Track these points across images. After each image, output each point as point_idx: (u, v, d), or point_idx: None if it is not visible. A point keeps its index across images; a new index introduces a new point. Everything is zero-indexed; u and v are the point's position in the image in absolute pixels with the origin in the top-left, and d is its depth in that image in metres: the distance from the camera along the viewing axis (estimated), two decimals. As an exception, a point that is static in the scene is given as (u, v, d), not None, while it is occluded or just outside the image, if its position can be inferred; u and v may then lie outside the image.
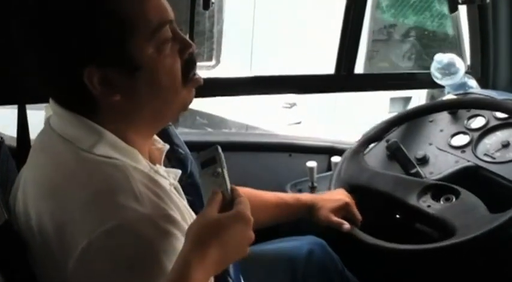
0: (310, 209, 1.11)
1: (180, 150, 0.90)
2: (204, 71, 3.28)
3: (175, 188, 0.78)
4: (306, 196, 1.15)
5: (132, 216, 0.65)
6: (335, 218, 1.08)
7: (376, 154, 1.35)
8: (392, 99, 3.21)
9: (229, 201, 0.67)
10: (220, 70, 3.25)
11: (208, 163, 0.69)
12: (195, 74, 0.76)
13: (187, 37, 0.75)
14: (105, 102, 0.71)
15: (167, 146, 0.83)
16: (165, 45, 0.71)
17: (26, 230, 0.71)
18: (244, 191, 1.07)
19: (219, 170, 0.68)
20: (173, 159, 0.87)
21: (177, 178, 0.79)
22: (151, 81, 0.71)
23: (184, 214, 0.73)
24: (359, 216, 1.11)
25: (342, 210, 1.10)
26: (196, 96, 0.78)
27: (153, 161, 0.78)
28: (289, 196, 1.16)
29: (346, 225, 1.07)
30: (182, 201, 0.77)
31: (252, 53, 3.42)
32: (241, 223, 0.65)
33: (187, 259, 0.61)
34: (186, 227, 0.69)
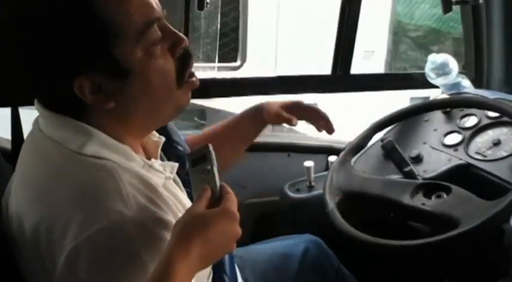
0: (262, 109, 1.04)
1: (179, 147, 0.91)
2: (229, 71, 3.42)
3: (174, 181, 0.78)
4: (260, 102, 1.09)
5: (117, 219, 0.64)
6: (285, 114, 1.03)
7: (372, 154, 1.38)
8: (413, 99, 3.25)
9: (218, 198, 0.67)
10: (246, 70, 3.32)
11: (198, 161, 0.70)
12: (191, 76, 0.74)
13: (178, 31, 0.71)
14: (98, 109, 0.70)
15: (163, 139, 0.82)
16: (154, 47, 0.68)
17: (17, 232, 0.71)
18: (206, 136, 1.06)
19: (209, 167, 0.68)
20: (172, 156, 0.87)
21: (174, 171, 0.78)
22: (143, 85, 0.69)
23: (177, 212, 0.72)
24: (317, 108, 1.06)
25: (295, 107, 1.04)
26: (193, 97, 0.77)
27: (148, 155, 0.78)
28: (245, 109, 1.09)
29: (295, 121, 1.03)
30: (180, 196, 0.77)
31: (277, 53, 3.42)
32: (226, 219, 0.64)
33: (171, 254, 0.60)
34: None
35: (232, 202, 0.66)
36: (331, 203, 1.15)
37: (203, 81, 0.78)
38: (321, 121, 1.06)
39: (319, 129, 1.07)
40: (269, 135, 1.69)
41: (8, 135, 1.17)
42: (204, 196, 0.66)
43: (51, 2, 0.65)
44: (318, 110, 1.06)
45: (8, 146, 1.11)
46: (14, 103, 1.03)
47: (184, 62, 0.73)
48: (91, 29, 0.65)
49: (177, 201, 0.75)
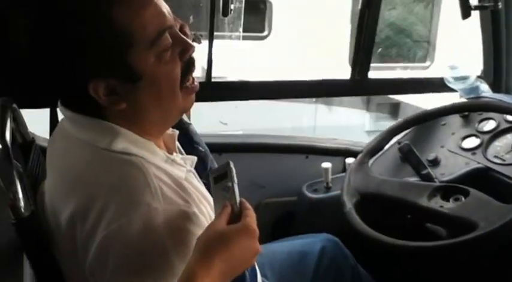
0: None
1: (200, 148, 0.94)
2: (419, 70, 3.64)
3: (193, 174, 0.82)
4: None
5: (146, 211, 0.67)
6: None
7: (389, 156, 1.39)
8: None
9: (238, 214, 0.68)
10: (433, 70, 3.48)
11: (220, 178, 0.72)
12: (193, 81, 0.77)
13: (187, 39, 0.75)
14: (110, 109, 0.73)
15: (176, 131, 0.85)
16: (165, 53, 0.72)
17: (53, 224, 0.75)
18: None
19: (230, 184, 0.70)
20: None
21: (194, 164, 0.82)
22: (153, 88, 0.72)
23: (200, 205, 0.74)
24: None
25: None
26: (198, 100, 0.79)
27: (168, 149, 0.81)
28: None
29: None
30: (201, 188, 0.80)
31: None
32: (247, 236, 0.66)
33: (194, 270, 0.62)
34: (203, 219, 0.72)
35: (252, 218, 0.68)
36: (348, 204, 1.17)
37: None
38: None
39: None
40: (287, 137, 1.72)
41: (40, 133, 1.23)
42: (225, 212, 0.68)
43: (73, 11, 0.69)
44: None
45: (45, 144, 1.16)
46: (53, 104, 1.07)
47: (188, 67, 0.76)
48: (108, 38, 0.69)
49: (198, 193, 0.77)
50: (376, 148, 1.30)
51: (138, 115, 0.75)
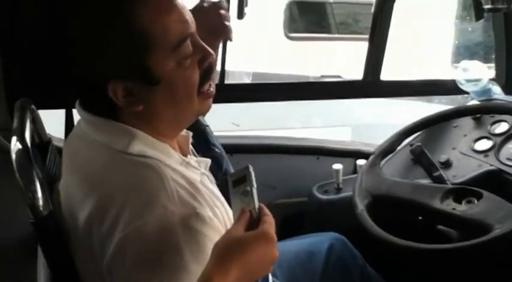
0: None
1: (216, 149, 0.95)
2: None
3: (207, 177, 0.82)
4: None
5: (162, 213, 0.67)
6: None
7: (400, 158, 1.39)
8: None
9: (256, 220, 0.68)
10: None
11: (239, 182, 0.71)
12: (210, 86, 0.78)
13: (206, 46, 0.75)
14: (127, 110, 0.74)
15: (190, 133, 0.85)
16: (185, 60, 0.72)
17: (71, 225, 0.76)
18: None
19: (248, 188, 0.69)
20: (208, 157, 0.89)
21: (208, 167, 0.82)
22: (170, 92, 0.73)
23: (214, 208, 0.75)
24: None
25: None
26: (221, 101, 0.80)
27: (183, 152, 0.82)
28: None
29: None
30: (215, 190, 0.80)
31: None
32: (264, 242, 0.65)
33: (210, 275, 0.62)
34: (217, 221, 0.72)
35: (270, 225, 0.67)
36: (360, 205, 1.17)
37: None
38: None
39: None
40: (298, 138, 1.72)
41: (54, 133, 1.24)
42: (243, 218, 0.67)
43: (95, 12, 0.70)
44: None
45: (61, 144, 1.17)
46: (69, 105, 1.09)
47: (207, 74, 0.77)
48: (130, 40, 0.69)
49: (213, 196, 0.78)
50: (388, 150, 1.30)
51: (154, 117, 0.75)
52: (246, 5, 1.34)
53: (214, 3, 0.93)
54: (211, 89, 0.79)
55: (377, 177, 1.22)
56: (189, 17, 0.73)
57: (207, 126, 0.99)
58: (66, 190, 0.80)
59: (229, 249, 0.64)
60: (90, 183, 0.75)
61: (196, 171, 0.79)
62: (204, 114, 0.81)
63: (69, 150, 0.84)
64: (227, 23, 0.93)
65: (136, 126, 0.75)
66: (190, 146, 0.87)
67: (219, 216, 0.75)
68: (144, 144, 0.75)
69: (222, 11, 0.93)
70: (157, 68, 0.71)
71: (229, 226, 0.74)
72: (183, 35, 0.72)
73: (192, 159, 0.81)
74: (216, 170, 0.93)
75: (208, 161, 0.83)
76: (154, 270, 0.66)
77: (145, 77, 0.71)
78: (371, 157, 1.29)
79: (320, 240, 1.19)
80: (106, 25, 0.69)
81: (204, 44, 0.75)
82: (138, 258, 0.66)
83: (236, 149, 1.47)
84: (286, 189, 1.59)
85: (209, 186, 0.80)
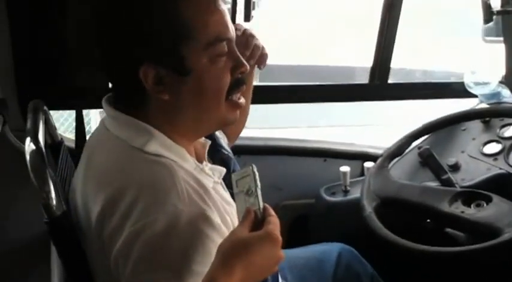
0: None
1: (224, 151, 0.95)
2: None
3: (221, 185, 0.83)
4: None
5: (172, 212, 0.68)
6: None
7: (408, 161, 1.39)
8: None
9: (261, 220, 0.68)
10: None
11: (243, 181, 0.71)
12: (239, 97, 0.80)
13: (242, 58, 0.78)
14: (154, 100, 0.76)
15: (209, 141, 0.88)
16: (219, 58, 0.75)
17: (84, 221, 0.77)
18: None
19: (253, 188, 0.69)
20: (217, 159, 0.91)
21: (222, 176, 0.83)
22: (199, 88, 0.75)
23: (224, 214, 0.75)
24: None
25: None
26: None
27: (199, 158, 0.83)
28: None
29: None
30: (227, 197, 0.81)
31: None
32: (269, 243, 0.65)
33: (214, 276, 0.63)
34: (224, 228, 0.72)
35: (275, 225, 0.67)
36: (368, 208, 1.17)
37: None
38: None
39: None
40: (306, 140, 1.73)
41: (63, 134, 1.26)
42: (248, 219, 0.67)
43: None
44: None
45: (72, 144, 1.19)
46: (79, 106, 1.10)
47: (238, 83, 0.79)
48: (172, 25, 0.72)
49: (225, 203, 0.79)
50: (396, 152, 1.30)
51: (178, 112, 0.77)
52: (253, 8, 1.34)
53: (246, 31, 0.96)
54: (241, 100, 0.80)
55: (385, 179, 1.22)
56: (231, 25, 0.77)
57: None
58: (82, 187, 0.81)
59: (234, 250, 0.64)
60: (105, 178, 0.76)
61: (209, 178, 0.80)
62: (228, 124, 0.82)
63: (88, 148, 0.85)
64: (265, 52, 0.98)
65: (157, 124, 0.77)
66: (208, 159, 0.87)
67: (229, 224, 0.76)
68: (160, 145, 0.76)
69: (257, 42, 0.97)
70: (190, 59, 0.73)
71: None
72: (221, 35, 0.75)
73: (207, 166, 0.82)
74: (225, 170, 0.92)
75: (223, 170, 0.84)
76: (158, 268, 0.67)
77: (177, 65, 0.73)
78: (379, 159, 1.29)
79: (329, 249, 1.20)
80: (153, 11, 0.72)
81: (240, 55, 0.78)
82: (144, 255, 0.67)
83: (243, 150, 1.47)
84: (294, 191, 1.59)
85: (222, 194, 0.80)
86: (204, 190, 0.75)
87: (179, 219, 0.68)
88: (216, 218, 0.72)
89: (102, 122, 0.83)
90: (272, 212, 0.69)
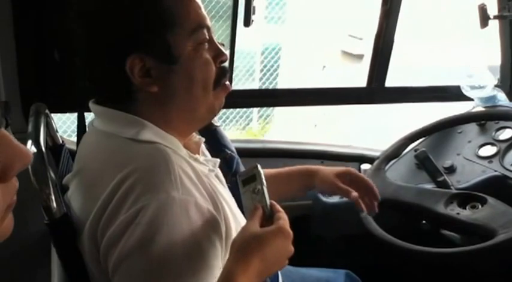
0: (315, 174, 1.07)
1: (227, 150, 0.96)
2: None
3: (217, 176, 0.83)
4: (313, 166, 1.12)
5: (164, 198, 0.68)
6: (341, 184, 1.04)
7: (404, 163, 1.40)
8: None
9: (269, 216, 0.70)
10: None
11: (249, 181, 0.73)
12: (225, 83, 0.80)
13: (221, 47, 0.79)
14: (142, 94, 0.75)
15: (202, 139, 0.87)
16: (202, 46, 0.76)
17: (79, 218, 0.77)
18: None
19: (259, 187, 0.72)
20: (220, 159, 0.90)
21: (216, 166, 0.83)
22: (186, 77, 0.75)
23: (217, 202, 0.75)
24: (367, 180, 1.06)
25: (347, 175, 1.05)
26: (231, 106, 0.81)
27: (192, 152, 0.83)
28: (299, 166, 1.13)
29: (354, 193, 1.02)
30: (221, 189, 0.81)
31: None
32: (281, 238, 0.68)
33: (232, 270, 0.65)
34: (216, 216, 0.72)
35: (285, 221, 0.70)
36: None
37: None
38: (367, 197, 1.06)
39: (360, 205, 1.03)
40: (303, 142, 1.74)
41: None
42: (257, 215, 0.70)
43: None
44: (368, 184, 1.05)
45: (74, 147, 1.19)
46: (81, 109, 1.11)
47: (223, 71, 0.80)
48: (156, 13, 0.73)
49: (217, 192, 0.78)
50: (393, 154, 1.31)
51: (168, 103, 0.76)
52: (254, 13, 1.35)
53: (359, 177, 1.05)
54: (226, 83, 0.81)
55: (382, 181, 1.24)
56: (206, 15, 0.78)
57: (218, 126, 1.00)
58: (77, 188, 0.81)
59: (249, 244, 0.67)
60: (94, 175, 0.76)
61: (204, 166, 0.80)
62: (216, 110, 0.82)
63: (80, 147, 0.85)
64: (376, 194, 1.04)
65: (147, 116, 0.76)
66: (205, 149, 0.88)
67: (220, 212, 0.75)
68: (153, 134, 0.76)
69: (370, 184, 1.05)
70: (176, 47, 0.74)
71: (232, 224, 0.75)
72: (201, 22, 0.76)
73: (201, 157, 0.82)
74: (226, 171, 0.94)
75: (217, 160, 0.84)
76: (145, 256, 0.66)
77: (164, 54, 0.74)
78: (376, 161, 1.30)
79: (336, 276, 1.20)
80: (136, 0, 0.72)
81: (218, 44, 0.79)
82: (133, 242, 0.67)
83: (242, 153, 1.48)
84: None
85: (214, 183, 0.80)
86: (198, 177, 0.75)
87: (171, 206, 0.68)
88: (207, 205, 0.72)
89: (90, 124, 0.83)
90: (279, 208, 0.72)
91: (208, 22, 0.78)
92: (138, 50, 0.73)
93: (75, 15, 0.76)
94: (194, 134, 0.87)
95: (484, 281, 1.20)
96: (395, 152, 1.32)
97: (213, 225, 0.72)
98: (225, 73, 0.80)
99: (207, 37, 0.76)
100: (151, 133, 0.75)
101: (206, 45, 0.77)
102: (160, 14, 0.73)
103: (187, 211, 0.69)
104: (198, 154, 0.85)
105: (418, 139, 1.35)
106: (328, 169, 1.08)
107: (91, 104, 0.80)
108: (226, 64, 0.82)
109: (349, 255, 1.15)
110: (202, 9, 0.78)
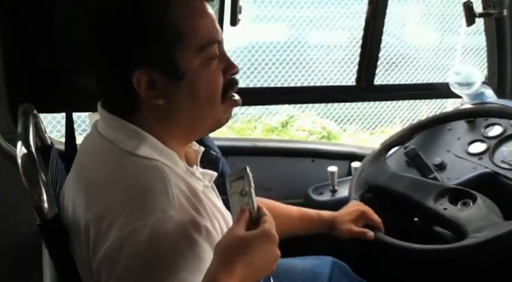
0: (332, 225, 1.14)
1: (212, 152, 0.95)
2: None
3: (212, 188, 0.83)
4: (326, 212, 1.17)
5: (161, 217, 0.67)
6: (357, 229, 1.12)
7: (394, 161, 1.41)
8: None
9: (256, 219, 0.69)
10: None
11: (237, 183, 0.72)
12: (234, 95, 0.80)
13: (232, 60, 0.79)
14: (147, 105, 0.75)
15: (202, 148, 0.88)
16: (210, 61, 0.76)
17: (72, 223, 0.77)
18: (270, 204, 1.13)
19: (247, 189, 0.70)
20: (205, 160, 0.90)
21: (212, 180, 0.83)
22: (193, 91, 0.75)
23: (213, 219, 0.75)
24: (379, 220, 1.14)
25: (362, 219, 1.13)
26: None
27: (190, 162, 0.83)
28: (311, 211, 1.19)
29: (370, 233, 1.10)
30: (217, 203, 0.81)
31: None
32: (267, 241, 0.66)
33: (215, 275, 0.63)
34: (214, 233, 0.72)
35: (271, 224, 0.68)
36: (354, 195, 1.20)
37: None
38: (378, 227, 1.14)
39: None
40: (294, 141, 1.74)
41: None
42: (243, 217, 0.68)
43: (136, 2, 0.73)
44: (378, 224, 1.14)
45: (61, 147, 1.18)
46: (69, 109, 1.10)
47: (231, 84, 0.79)
48: (164, 29, 0.72)
49: (214, 208, 0.78)
50: (397, 142, 1.31)
51: (172, 116, 0.77)
52: (240, 12, 1.35)
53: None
54: (236, 97, 0.81)
55: (379, 167, 1.23)
56: (219, 29, 0.78)
57: None
58: (72, 194, 0.80)
59: (233, 248, 0.65)
60: (94, 184, 0.75)
61: (200, 182, 0.80)
62: (222, 124, 0.82)
63: (80, 152, 0.85)
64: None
65: (151, 128, 0.76)
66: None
67: (217, 229, 0.75)
68: (151, 149, 0.76)
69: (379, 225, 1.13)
70: (183, 63, 0.73)
71: None
72: (211, 38, 0.75)
73: (198, 170, 0.81)
74: (216, 174, 0.91)
75: (214, 174, 0.84)
76: (144, 275, 0.66)
77: (170, 70, 0.73)
78: (378, 147, 1.30)
79: (322, 263, 1.21)
80: (144, 16, 0.72)
81: (229, 56, 0.79)
82: (131, 261, 0.67)
83: (231, 151, 1.48)
84: (282, 191, 1.59)
85: (212, 199, 0.80)
86: (194, 195, 0.75)
87: (168, 225, 0.68)
88: (205, 223, 0.72)
89: (94, 125, 0.83)
90: (266, 211, 0.70)
91: (221, 36, 0.77)
92: (144, 64, 0.73)
93: (86, 27, 0.75)
94: (194, 142, 0.87)
95: (453, 279, 1.20)
96: (400, 140, 1.31)
97: (211, 242, 0.71)
98: (233, 85, 0.80)
99: (217, 53, 0.76)
100: (149, 148, 0.76)
101: (216, 60, 0.76)
102: (169, 30, 0.72)
103: (186, 230, 0.69)
104: (196, 164, 0.85)
105: (421, 130, 1.34)
106: (343, 216, 1.14)
107: (99, 108, 0.80)
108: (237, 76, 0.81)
109: (334, 241, 1.17)
110: (216, 24, 0.77)
